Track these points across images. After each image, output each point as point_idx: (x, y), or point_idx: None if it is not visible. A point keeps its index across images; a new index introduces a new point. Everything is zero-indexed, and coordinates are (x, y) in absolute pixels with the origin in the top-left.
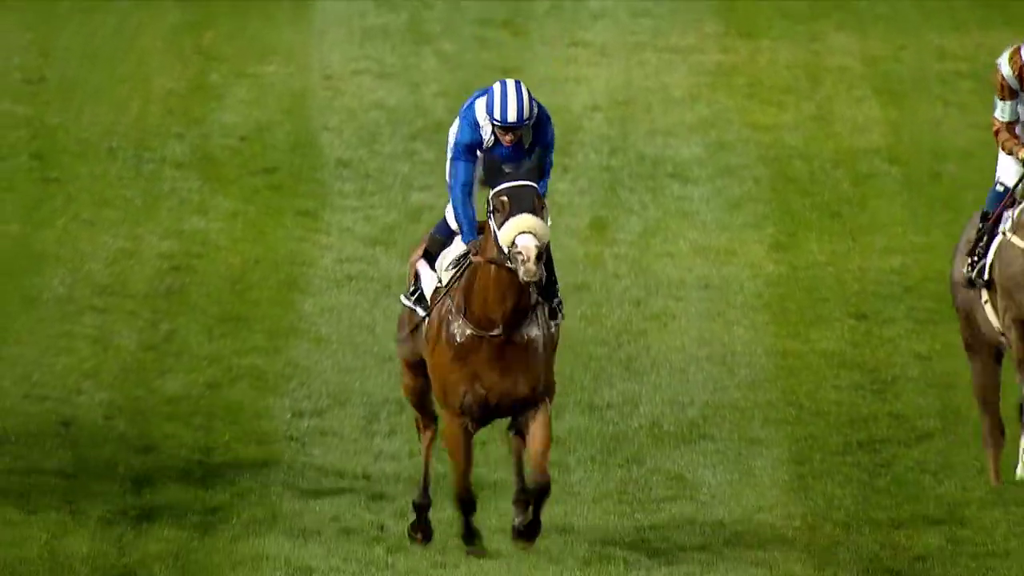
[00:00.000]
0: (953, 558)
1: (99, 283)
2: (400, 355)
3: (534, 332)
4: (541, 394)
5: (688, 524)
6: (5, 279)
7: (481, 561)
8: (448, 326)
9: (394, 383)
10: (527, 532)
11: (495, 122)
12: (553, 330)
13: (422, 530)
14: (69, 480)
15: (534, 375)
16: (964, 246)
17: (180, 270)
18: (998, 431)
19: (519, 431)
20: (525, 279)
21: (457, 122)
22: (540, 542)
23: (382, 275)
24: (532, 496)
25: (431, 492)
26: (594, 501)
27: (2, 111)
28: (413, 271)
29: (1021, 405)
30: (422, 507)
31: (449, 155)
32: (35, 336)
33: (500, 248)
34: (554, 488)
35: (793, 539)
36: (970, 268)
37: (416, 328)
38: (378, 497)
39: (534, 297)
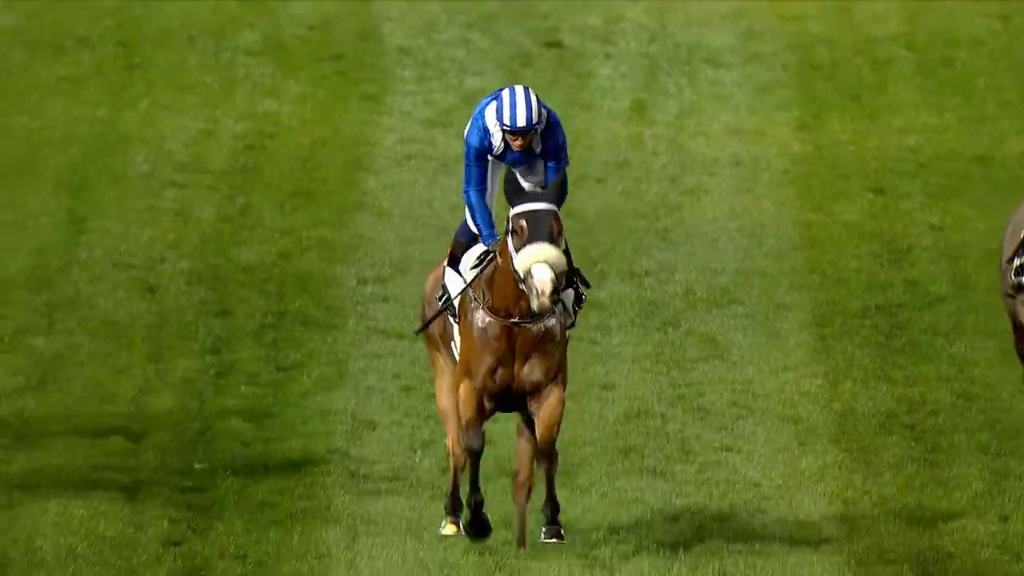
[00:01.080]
0: (963, 413)
1: (179, 161)
2: (432, 360)
3: (551, 322)
4: (554, 380)
5: (720, 382)
6: (94, 158)
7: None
8: (471, 314)
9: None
10: (551, 517)
11: (504, 127)
12: (571, 322)
13: (454, 517)
14: (154, 341)
15: (549, 363)
16: (1008, 255)
17: (254, 149)
18: None
19: (530, 423)
20: (537, 311)
21: (469, 126)
22: (583, 404)
23: (439, 154)
24: (540, 464)
25: (460, 495)
26: (633, 361)
27: (90, 3)
28: (438, 281)
29: None
30: (454, 509)
31: (464, 160)
32: (122, 210)
33: (516, 272)
34: (596, 349)
35: (816, 395)
36: (1015, 275)
37: (445, 330)
38: None
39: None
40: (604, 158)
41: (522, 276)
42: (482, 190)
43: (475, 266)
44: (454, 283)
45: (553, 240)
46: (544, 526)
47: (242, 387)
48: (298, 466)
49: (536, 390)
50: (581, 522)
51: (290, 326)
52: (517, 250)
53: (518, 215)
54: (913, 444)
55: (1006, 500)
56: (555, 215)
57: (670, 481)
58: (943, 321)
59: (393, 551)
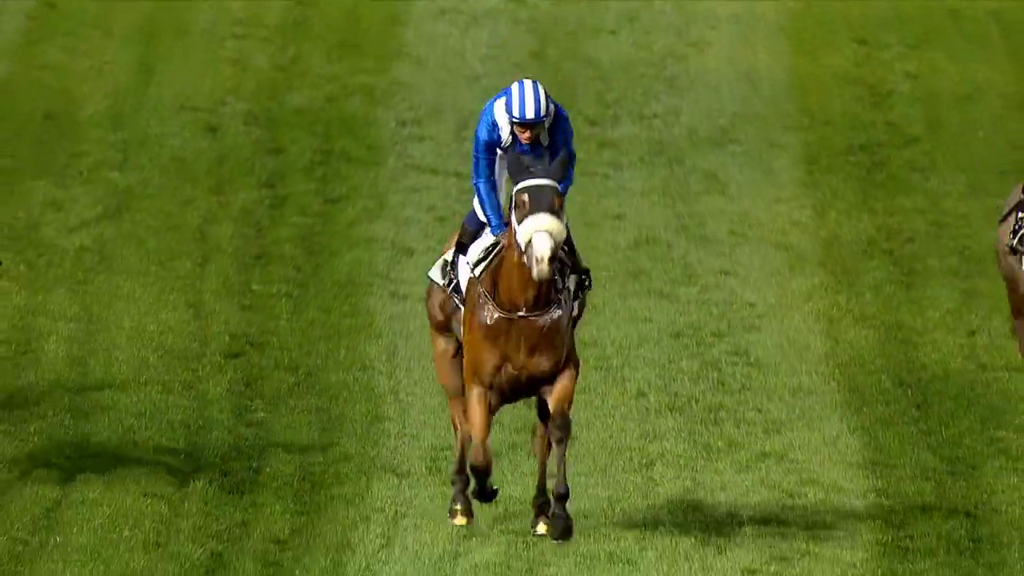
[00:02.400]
0: (936, 240)
1: (237, 17)
2: (433, 339)
3: (557, 314)
4: (563, 370)
5: (719, 213)
6: (163, 13)
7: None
8: (479, 310)
9: (478, 96)
10: (559, 501)
11: (513, 119)
12: (575, 310)
13: (463, 505)
14: (215, 176)
15: (557, 354)
16: (1007, 214)
17: (303, 5)
18: None
19: (543, 415)
20: (537, 278)
21: (479, 120)
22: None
23: (470, 9)
24: (554, 435)
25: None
26: (642, 195)
27: None
28: (449, 254)
29: None
30: (460, 484)
31: (472, 153)
32: (187, 59)
33: (518, 245)
34: (609, 184)
35: (805, 224)
36: (1012, 236)
37: (451, 311)
38: (467, 191)
39: (559, 283)
40: (617, 12)
41: (523, 247)
42: (491, 182)
43: (482, 259)
44: (463, 270)
45: (554, 212)
46: (552, 516)
47: (294, 217)
48: (344, 287)
49: (546, 380)
50: (598, 338)
51: (336, 163)
52: (519, 222)
53: (521, 190)
54: (891, 268)
55: (973, 317)
56: (556, 190)
57: (675, 301)
58: (919, 158)
59: (429, 363)
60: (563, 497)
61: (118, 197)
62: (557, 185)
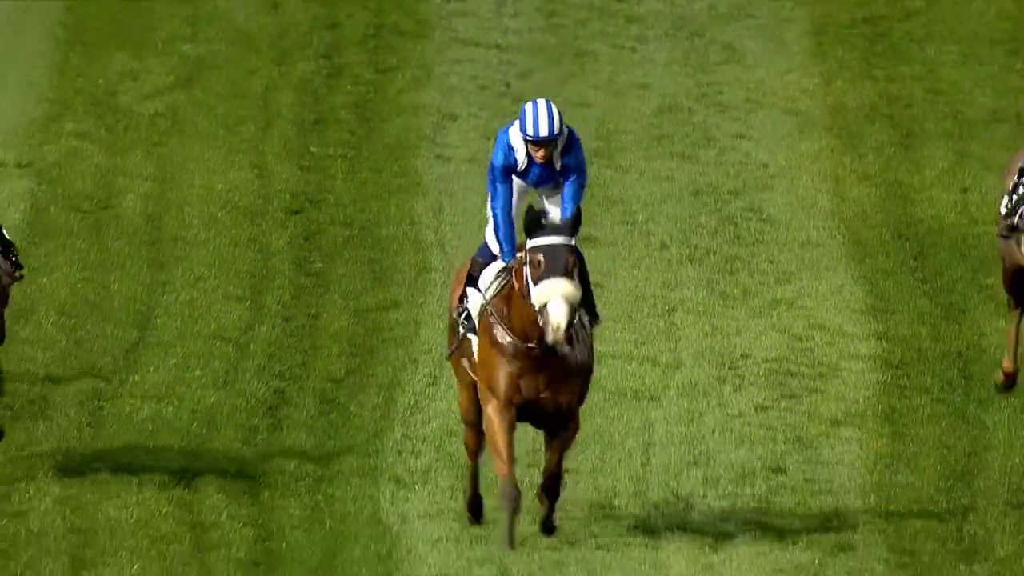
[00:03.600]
0: (933, 105)
1: None
2: (455, 373)
3: (567, 349)
4: (574, 410)
5: (736, 81)
6: None
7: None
8: (491, 329)
9: None
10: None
11: (527, 138)
12: (589, 341)
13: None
14: (277, 48)
15: (572, 387)
16: (1008, 194)
17: None
18: None
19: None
20: (551, 344)
21: (494, 148)
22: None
23: None
24: (543, 494)
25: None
26: (665, 65)
27: None
28: (458, 294)
29: None
30: (475, 506)
31: (488, 178)
32: None
33: (532, 305)
34: (635, 56)
35: (814, 91)
36: (1005, 216)
37: (468, 348)
38: (505, 62)
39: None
40: None
41: (538, 309)
42: (508, 208)
43: (493, 281)
44: (474, 300)
45: (568, 274)
46: (542, 518)
47: (348, 86)
48: (394, 150)
49: (557, 415)
50: (624, 196)
51: (387, 36)
52: (534, 282)
53: (535, 248)
54: (891, 131)
55: (966, 175)
56: (571, 249)
57: (695, 163)
58: (917, 30)
59: (471, 219)
60: (550, 530)
61: (189, 67)
62: (572, 244)
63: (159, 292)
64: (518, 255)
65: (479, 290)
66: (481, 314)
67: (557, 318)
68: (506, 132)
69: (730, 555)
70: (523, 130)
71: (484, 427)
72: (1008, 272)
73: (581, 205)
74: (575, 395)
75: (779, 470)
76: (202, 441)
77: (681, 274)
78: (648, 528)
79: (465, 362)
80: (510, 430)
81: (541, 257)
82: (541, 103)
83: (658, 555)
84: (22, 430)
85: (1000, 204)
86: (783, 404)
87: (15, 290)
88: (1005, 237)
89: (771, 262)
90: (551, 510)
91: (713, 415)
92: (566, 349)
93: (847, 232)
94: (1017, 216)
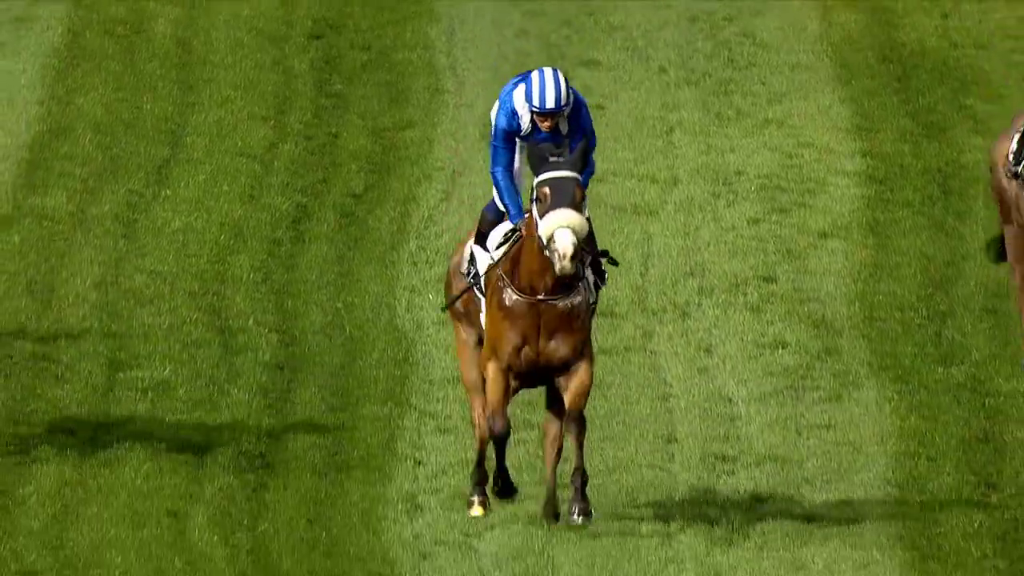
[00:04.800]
0: None
1: None
2: (457, 336)
3: (577, 300)
4: (581, 355)
5: None
6: None
7: None
8: (499, 292)
9: None
10: (580, 490)
11: (533, 109)
12: (593, 299)
13: (481, 502)
14: None
15: (576, 339)
16: (1012, 134)
17: None
18: None
19: (553, 406)
20: (560, 273)
21: (496, 107)
22: None
23: None
24: (570, 431)
25: (485, 465)
26: None
27: None
28: (467, 253)
29: None
30: (479, 482)
31: (491, 141)
32: None
33: (539, 238)
34: None
35: None
36: (1013, 162)
37: (472, 307)
38: None
39: (579, 270)
40: None
41: (545, 241)
42: (510, 170)
43: (501, 244)
44: (482, 259)
45: (576, 206)
46: (573, 503)
47: None
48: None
49: (564, 366)
50: (625, 23)
51: None
52: (541, 216)
53: (542, 183)
54: None
55: (946, 1)
56: (578, 182)
57: None
58: None
59: (481, 44)
60: (583, 484)
61: None
62: (579, 177)
63: (189, 112)
64: (526, 215)
65: (487, 250)
66: (489, 276)
67: (564, 246)
68: (510, 95)
69: (723, 359)
70: (528, 100)
71: (486, 381)
72: (1005, 217)
73: (588, 146)
74: (577, 341)
75: (770, 279)
76: (229, 252)
77: (678, 96)
78: (647, 333)
79: (465, 322)
80: (507, 385)
81: (547, 190)
82: (548, 73)
83: (656, 360)
84: (61, 242)
85: (1001, 143)
86: (774, 217)
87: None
88: (1009, 178)
89: (763, 84)
90: (581, 462)
91: (708, 228)
92: (569, 268)
93: (834, 55)
94: (1022, 166)
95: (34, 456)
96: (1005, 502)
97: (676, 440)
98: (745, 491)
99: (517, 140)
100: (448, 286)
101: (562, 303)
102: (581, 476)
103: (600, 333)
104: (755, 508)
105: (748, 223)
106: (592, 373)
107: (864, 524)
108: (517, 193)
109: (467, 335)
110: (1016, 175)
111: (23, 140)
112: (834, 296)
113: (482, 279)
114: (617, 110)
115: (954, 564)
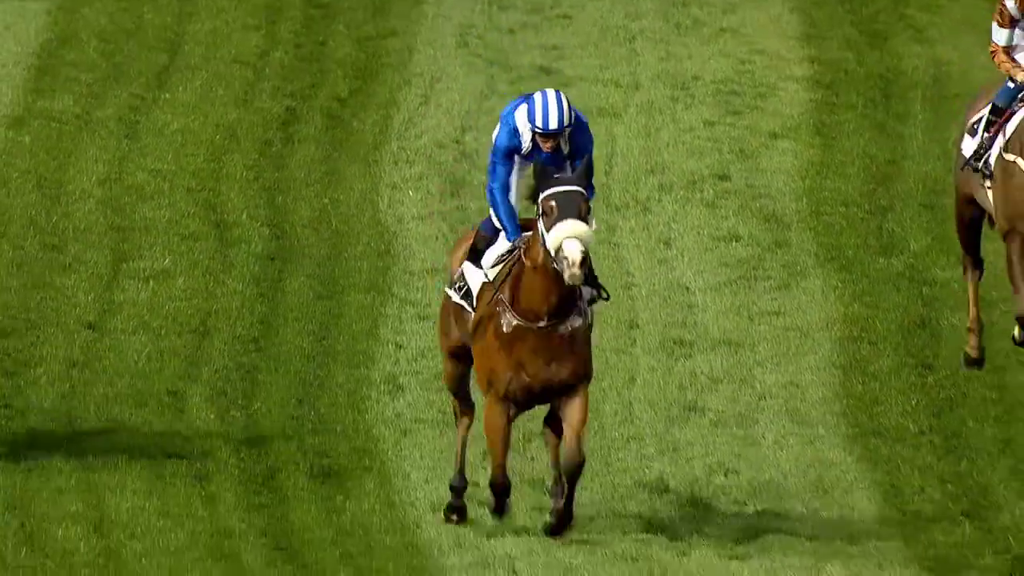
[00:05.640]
0: None
1: None
2: (443, 346)
3: (577, 323)
4: (581, 379)
5: None
6: None
7: None
8: (496, 317)
9: None
10: (558, 525)
11: (536, 129)
12: (591, 318)
13: (457, 511)
14: None
15: (576, 363)
16: (971, 127)
17: None
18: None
19: (553, 423)
20: (570, 282)
21: (498, 127)
22: None
23: None
24: (566, 475)
25: (467, 475)
26: None
27: None
28: (458, 268)
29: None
30: (459, 489)
31: (490, 158)
32: None
33: (547, 250)
34: None
35: None
36: (975, 159)
37: (460, 320)
38: None
39: (580, 291)
40: None
41: (553, 252)
42: (507, 188)
43: (496, 264)
44: (474, 276)
45: (582, 218)
46: (552, 518)
47: None
48: None
49: (564, 389)
50: None
51: None
52: (548, 229)
53: (548, 196)
54: None
55: None
56: (583, 196)
57: None
58: None
59: None
60: (565, 520)
61: None
62: (584, 191)
63: (186, 22)
64: (523, 235)
65: (481, 268)
66: (483, 297)
67: (573, 255)
68: (511, 114)
69: (681, 251)
70: (531, 121)
71: (483, 417)
72: (961, 214)
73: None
74: (578, 367)
75: (724, 177)
76: (224, 152)
77: (640, 6)
78: (611, 227)
79: (452, 331)
80: (507, 424)
81: (554, 203)
82: (550, 93)
83: (619, 251)
84: (68, 142)
85: (960, 137)
86: (728, 120)
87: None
88: (963, 169)
89: None
90: (571, 493)
91: (667, 130)
92: (579, 276)
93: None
94: (982, 161)
95: (44, 340)
96: (940, 382)
97: (638, 326)
98: (701, 373)
99: (516, 159)
100: (443, 320)
101: (562, 328)
102: (567, 513)
103: None
104: (710, 389)
105: (704, 125)
106: (587, 400)
107: (811, 403)
108: (514, 212)
109: (454, 368)
110: (975, 169)
111: (32, 47)
112: (783, 192)
113: (473, 297)
114: (584, 19)
115: (893, 439)
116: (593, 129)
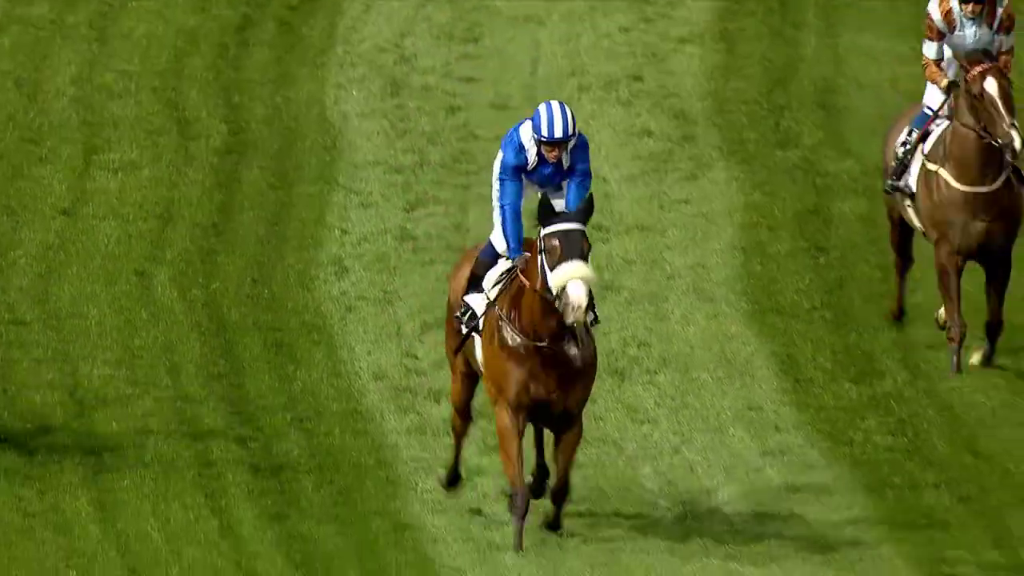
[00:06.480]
0: None
1: None
2: (453, 367)
3: (588, 352)
4: (582, 405)
5: None
6: None
7: None
8: (499, 331)
9: None
10: (553, 526)
11: (542, 139)
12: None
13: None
14: None
15: (580, 387)
16: (893, 152)
17: None
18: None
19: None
20: (572, 323)
21: (501, 152)
22: None
23: None
24: (553, 499)
25: (461, 471)
26: None
27: None
28: (458, 298)
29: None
30: (453, 483)
31: (496, 176)
32: None
33: (549, 289)
34: None
35: None
36: (895, 178)
37: (469, 347)
38: None
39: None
40: None
41: (556, 293)
42: (516, 205)
43: (497, 282)
44: (477, 302)
45: (584, 258)
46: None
47: None
48: None
49: (563, 416)
50: None
51: None
52: (551, 268)
53: (551, 235)
54: None
55: None
56: (585, 235)
57: None
58: None
59: None
60: (555, 524)
61: None
62: (585, 230)
63: None
64: (524, 253)
65: (483, 290)
66: (487, 315)
67: (578, 298)
68: (516, 131)
69: (599, 145)
70: (537, 131)
71: (496, 428)
72: (894, 229)
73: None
74: (582, 395)
75: (638, 78)
76: (185, 55)
77: None
78: None
79: (462, 356)
80: (520, 433)
81: (557, 242)
82: (555, 105)
83: None
84: (44, 45)
85: (886, 163)
86: (641, 26)
87: None
88: (888, 193)
89: None
90: (559, 511)
91: (587, 35)
92: (583, 319)
93: None
94: (902, 181)
95: (22, 223)
96: (831, 263)
97: None
98: (616, 255)
99: (523, 176)
100: (450, 328)
101: (571, 351)
102: (556, 520)
103: (497, 125)
104: (625, 270)
105: (620, 31)
106: (581, 433)
107: (715, 283)
108: (520, 230)
109: (461, 365)
110: (895, 188)
111: None
112: (691, 92)
113: (480, 321)
114: None
115: (789, 315)
116: (519, 35)
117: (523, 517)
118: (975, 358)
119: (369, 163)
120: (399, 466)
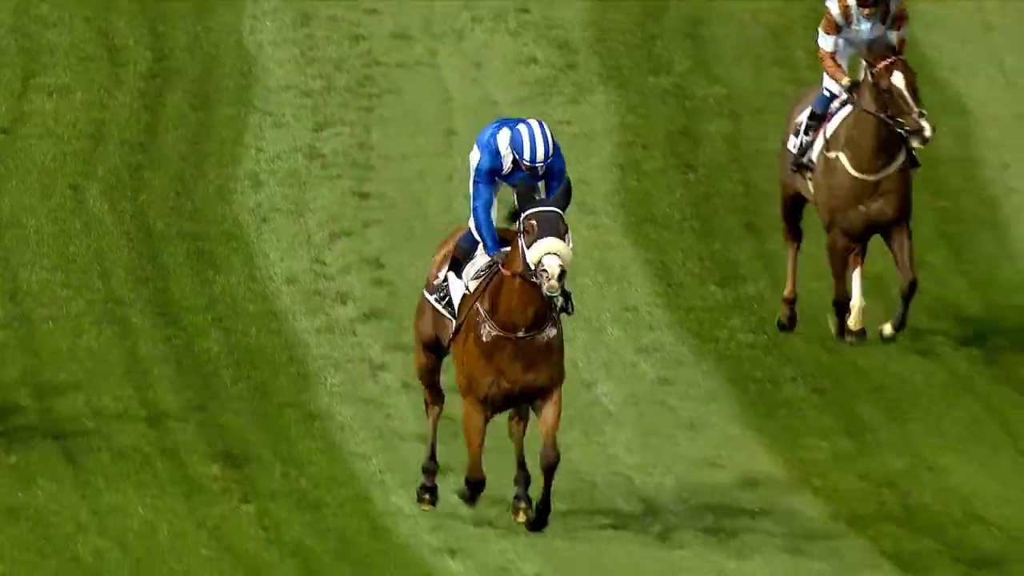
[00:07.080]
0: None
1: None
2: (416, 339)
3: (553, 332)
4: (556, 383)
5: None
6: None
7: None
8: (476, 328)
9: None
10: (539, 518)
11: (525, 164)
12: (561, 326)
13: (430, 491)
14: None
15: (552, 369)
16: (795, 128)
17: None
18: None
19: (521, 416)
20: (548, 294)
21: (477, 151)
22: None
23: None
24: (543, 470)
25: (437, 458)
26: None
27: None
28: (437, 272)
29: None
30: (430, 471)
31: (472, 178)
32: None
33: (527, 265)
34: None
35: None
36: (800, 155)
37: (439, 323)
38: None
39: (553, 303)
40: None
41: (532, 266)
42: (489, 207)
43: (476, 276)
44: (456, 287)
45: (561, 236)
46: (532, 512)
47: None
48: None
49: (539, 393)
50: None
51: None
52: (528, 245)
53: (529, 216)
54: None
55: None
56: (562, 217)
57: None
58: None
59: None
60: (544, 514)
61: None
62: (562, 213)
63: None
64: (502, 249)
65: (461, 280)
66: (464, 307)
67: (552, 268)
68: (494, 139)
69: (489, 72)
70: (519, 155)
71: (462, 418)
72: (787, 200)
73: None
74: (556, 371)
75: (525, 11)
76: None
77: None
78: (432, 51)
79: (427, 323)
80: (483, 427)
81: (535, 222)
82: (535, 126)
83: (439, 72)
84: None
85: (787, 137)
86: None
87: None
88: (793, 171)
89: None
90: (548, 490)
91: None
92: (557, 289)
93: None
94: (805, 157)
95: None
96: (700, 180)
97: (455, 133)
98: None
99: (497, 180)
100: (419, 319)
101: (539, 338)
102: (544, 508)
103: (398, 53)
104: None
105: None
106: (561, 402)
107: (596, 197)
108: (494, 229)
109: (427, 359)
110: (800, 166)
111: None
112: (574, 23)
113: (455, 306)
114: None
115: (662, 226)
116: None
117: (476, 497)
118: (887, 329)
119: (282, 87)
120: (309, 362)
